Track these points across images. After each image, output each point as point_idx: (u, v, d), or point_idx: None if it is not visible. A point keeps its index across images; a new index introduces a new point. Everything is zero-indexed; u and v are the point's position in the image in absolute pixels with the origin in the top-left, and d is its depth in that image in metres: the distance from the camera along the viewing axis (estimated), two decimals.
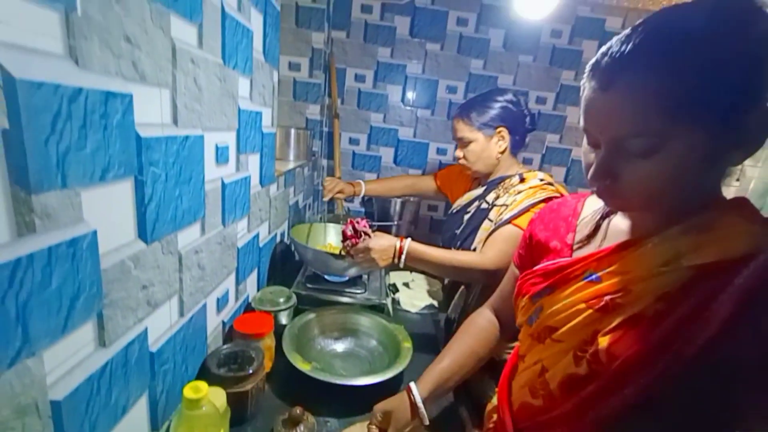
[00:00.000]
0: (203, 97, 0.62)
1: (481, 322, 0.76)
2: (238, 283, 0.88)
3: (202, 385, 0.50)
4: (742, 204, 0.45)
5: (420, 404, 0.66)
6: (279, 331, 0.89)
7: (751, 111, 0.38)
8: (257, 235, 0.99)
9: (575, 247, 0.57)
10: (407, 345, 0.91)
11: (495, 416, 0.70)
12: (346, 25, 1.81)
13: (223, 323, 0.82)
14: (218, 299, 0.77)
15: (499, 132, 1.11)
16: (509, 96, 1.12)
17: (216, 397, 0.62)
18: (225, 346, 0.76)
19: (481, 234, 1.08)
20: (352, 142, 1.97)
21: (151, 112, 0.49)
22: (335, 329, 1.00)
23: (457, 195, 1.30)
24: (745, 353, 0.38)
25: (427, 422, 0.67)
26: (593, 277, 0.50)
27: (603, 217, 0.56)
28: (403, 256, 0.96)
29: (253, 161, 0.89)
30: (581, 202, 0.63)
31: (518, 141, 1.14)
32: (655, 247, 0.45)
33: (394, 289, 1.30)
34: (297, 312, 0.99)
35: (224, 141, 0.73)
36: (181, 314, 0.62)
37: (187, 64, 0.56)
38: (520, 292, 0.62)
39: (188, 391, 0.49)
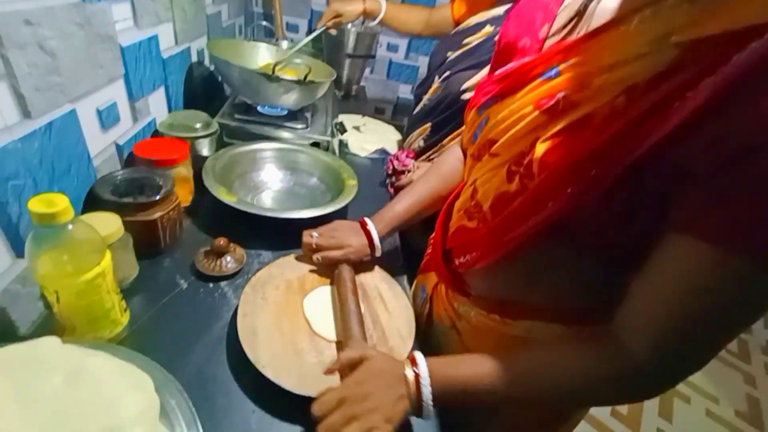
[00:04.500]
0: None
1: (450, 161, 0.68)
2: (132, 97, 0.67)
3: (58, 198, 0.37)
4: None
5: (377, 240, 0.62)
6: (200, 164, 0.74)
7: None
8: (155, 40, 0.74)
9: (548, 40, 0.44)
10: (352, 183, 0.81)
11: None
12: None
13: (118, 146, 0.65)
14: (99, 111, 0.58)
15: None
16: None
17: (104, 222, 0.49)
18: (121, 171, 0.61)
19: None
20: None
21: None
22: (269, 165, 0.87)
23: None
24: (701, 159, 0.30)
25: (379, 254, 0.63)
26: (551, 72, 0.40)
27: None
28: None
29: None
30: None
31: None
32: (643, 22, 0.35)
33: (342, 129, 1.14)
34: (224, 146, 0.83)
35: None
36: (27, 115, 0.44)
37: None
38: (470, 105, 0.53)
39: (36, 204, 0.35)
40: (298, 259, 0.64)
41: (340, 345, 0.52)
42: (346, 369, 0.43)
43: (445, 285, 0.56)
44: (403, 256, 0.76)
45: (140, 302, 0.54)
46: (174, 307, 0.55)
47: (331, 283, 0.61)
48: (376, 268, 0.66)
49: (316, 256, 0.61)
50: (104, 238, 0.47)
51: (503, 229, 0.42)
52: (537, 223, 0.38)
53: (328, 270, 0.62)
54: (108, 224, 0.50)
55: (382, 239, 0.63)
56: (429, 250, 0.67)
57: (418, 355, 0.44)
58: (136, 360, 0.32)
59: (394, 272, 0.67)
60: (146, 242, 0.58)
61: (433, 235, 0.70)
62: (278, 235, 0.66)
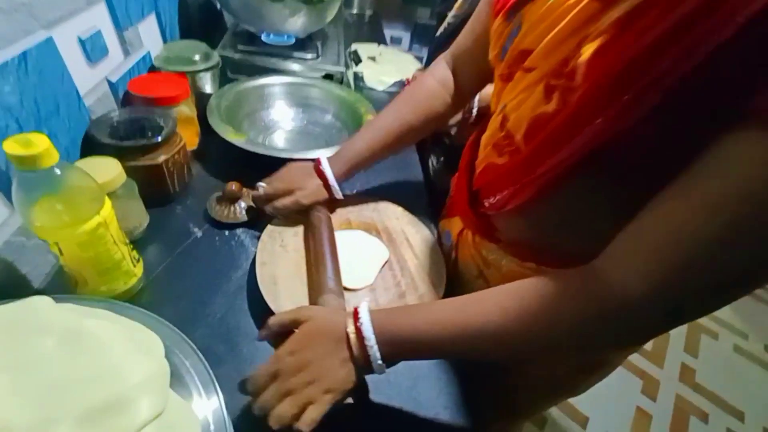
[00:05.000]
0: None
1: (427, 84, 0.57)
2: (118, 25, 0.59)
3: (37, 138, 0.32)
4: None
5: (332, 181, 0.54)
6: (203, 102, 0.68)
7: None
8: None
9: None
10: (370, 117, 0.73)
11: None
12: None
13: (112, 84, 0.59)
14: (82, 40, 0.51)
15: None
16: None
17: (102, 168, 0.45)
18: (117, 112, 0.55)
19: None
20: None
21: None
22: (279, 102, 0.79)
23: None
24: None
25: (340, 196, 0.56)
26: None
27: None
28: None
29: None
30: None
31: None
32: None
33: (357, 58, 1.03)
34: (228, 83, 0.75)
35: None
36: None
37: None
38: (495, 11, 0.42)
39: (12, 145, 0.31)
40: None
41: (312, 301, 0.47)
42: (278, 336, 0.37)
43: (472, 231, 0.50)
44: (429, 196, 0.70)
45: (154, 252, 0.51)
46: (190, 256, 0.52)
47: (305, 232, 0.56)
48: (402, 210, 0.60)
49: (267, 207, 0.54)
50: (102, 185, 0.43)
51: (538, 160, 0.35)
52: (580, 147, 0.31)
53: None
54: (107, 170, 0.45)
55: (340, 180, 0.55)
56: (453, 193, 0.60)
57: (362, 309, 0.36)
58: (146, 319, 0.29)
59: (419, 215, 0.61)
60: (154, 189, 0.54)
61: (456, 175, 0.63)
62: None
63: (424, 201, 0.68)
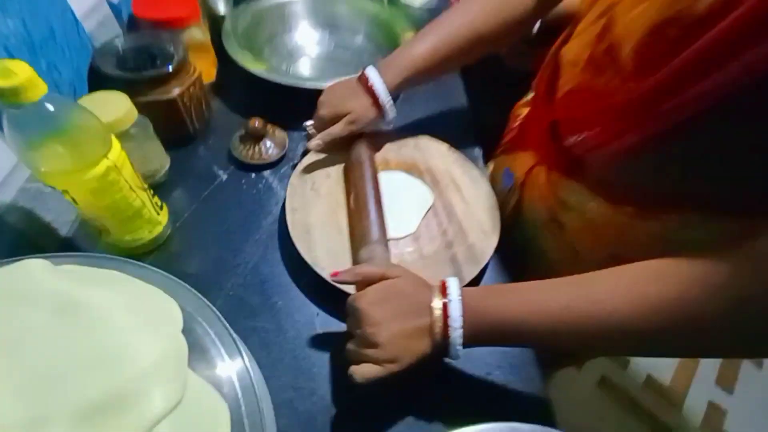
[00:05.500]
0: None
1: None
2: None
3: (17, 65, 0.26)
4: None
5: (383, 96, 0.44)
6: (217, 27, 0.59)
7: None
8: None
9: None
10: (410, 35, 0.62)
11: (523, 112, 0.51)
12: None
13: (113, 5, 0.51)
14: None
15: None
16: None
17: (110, 104, 0.40)
18: (121, 38, 0.48)
19: None
20: None
21: None
22: (302, 23, 0.69)
23: None
24: None
25: (394, 114, 0.47)
26: None
27: None
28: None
29: None
30: None
31: None
32: None
33: None
34: (242, 1, 0.65)
35: None
36: None
37: None
38: None
39: None
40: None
41: (354, 249, 0.42)
42: (362, 285, 0.34)
43: (549, 167, 0.42)
44: (474, 129, 0.61)
45: (179, 198, 0.48)
46: (216, 201, 0.48)
47: (344, 170, 0.49)
48: (447, 147, 0.52)
49: (313, 142, 0.46)
50: (111, 124, 0.38)
51: (669, 88, 0.26)
52: (750, 66, 0.22)
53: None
54: (116, 106, 0.40)
55: (393, 93, 0.45)
56: (517, 122, 0.51)
57: (451, 284, 0.31)
58: (163, 282, 0.24)
59: (466, 152, 0.53)
60: (171, 128, 0.49)
61: (523, 100, 0.53)
62: None
63: (472, 136, 0.59)
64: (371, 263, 0.35)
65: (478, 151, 0.57)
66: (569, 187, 0.39)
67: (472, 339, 0.30)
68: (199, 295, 0.26)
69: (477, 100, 0.74)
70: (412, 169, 0.50)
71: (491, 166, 0.57)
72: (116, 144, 0.34)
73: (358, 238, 0.41)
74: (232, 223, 0.46)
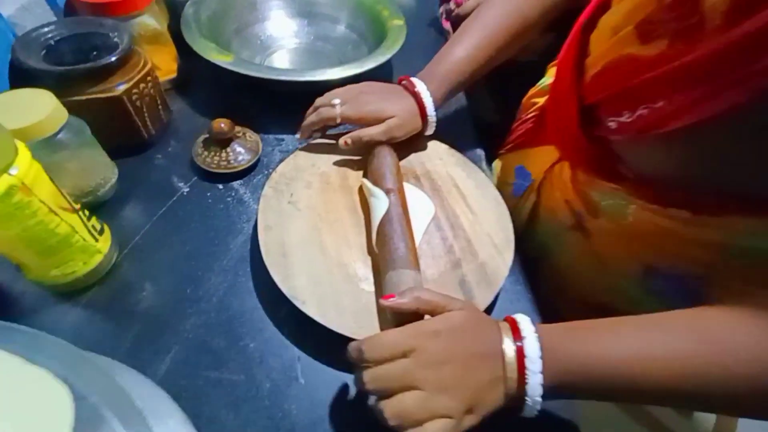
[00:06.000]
0: None
1: None
2: None
3: None
4: None
5: (430, 108, 0.40)
6: (176, 15, 0.51)
7: None
8: None
9: None
10: (398, 23, 0.55)
11: (539, 101, 0.44)
12: None
13: None
14: None
15: None
16: None
17: (28, 104, 0.31)
18: (52, 26, 0.40)
19: None
20: None
21: None
22: (276, 12, 0.61)
23: None
24: None
25: (432, 130, 0.43)
26: None
27: None
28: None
29: None
30: None
31: None
32: None
33: None
34: None
35: None
36: None
37: None
38: None
39: None
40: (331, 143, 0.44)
41: (375, 270, 0.35)
42: (411, 316, 0.26)
43: (575, 163, 0.35)
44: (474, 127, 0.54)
45: (128, 217, 0.39)
46: (175, 219, 0.40)
47: (364, 175, 0.42)
48: (446, 148, 0.45)
49: (344, 139, 0.40)
50: (25, 130, 0.30)
51: (744, 49, 0.20)
52: None
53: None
54: (37, 107, 0.32)
55: (437, 106, 0.41)
56: (530, 113, 0.44)
57: (522, 321, 0.26)
58: (50, 352, 0.16)
59: (466, 152, 0.46)
60: (118, 132, 0.41)
61: (537, 88, 0.47)
62: (303, 112, 0.45)
63: (473, 135, 0.52)
64: (430, 291, 0.27)
65: (480, 152, 0.50)
66: (601, 187, 0.33)
67: (553, 389, 0.24)
68: (126, 366, 0.18)
69: (474, 95, 0.68)
70: (407, 174, 0.43)
71: (498, 166, 0.50)
72: (25, 155, 0.26)
73: (383, 261, 0.33)
74: (194, 246, 0.38)
